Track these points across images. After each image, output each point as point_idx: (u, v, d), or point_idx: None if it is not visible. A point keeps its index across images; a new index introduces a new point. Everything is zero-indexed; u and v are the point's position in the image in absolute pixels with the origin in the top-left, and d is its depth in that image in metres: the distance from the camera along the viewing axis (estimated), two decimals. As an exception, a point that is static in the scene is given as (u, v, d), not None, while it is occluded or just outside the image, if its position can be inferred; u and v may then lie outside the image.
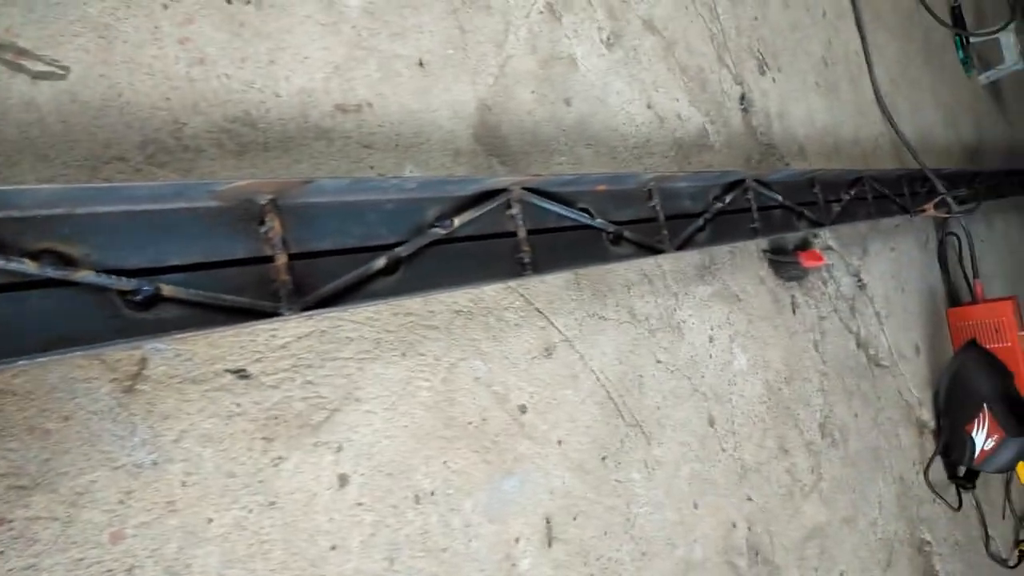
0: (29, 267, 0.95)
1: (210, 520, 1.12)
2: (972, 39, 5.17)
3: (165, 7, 1.18)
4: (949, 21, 4.95)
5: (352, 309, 1.35)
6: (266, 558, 1.16)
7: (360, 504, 1.30)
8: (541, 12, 1.85)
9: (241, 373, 1.18)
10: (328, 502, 1.26)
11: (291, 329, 1.26)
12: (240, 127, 1.24)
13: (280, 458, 1.21)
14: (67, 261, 1.01)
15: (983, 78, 5.43)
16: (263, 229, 1.19)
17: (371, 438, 1.34)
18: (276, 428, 1.21)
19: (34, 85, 1.04)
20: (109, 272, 1.02)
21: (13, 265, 0.94)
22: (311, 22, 1.37)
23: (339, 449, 1.29)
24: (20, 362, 0.91)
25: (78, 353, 0.95)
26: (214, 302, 1.10)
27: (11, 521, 0.95)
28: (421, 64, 1.56)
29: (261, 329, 1.22)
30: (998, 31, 5.12)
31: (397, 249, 1.36)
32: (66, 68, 1.07)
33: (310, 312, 1.19)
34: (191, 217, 1.13)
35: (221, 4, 1.25)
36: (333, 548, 1.25)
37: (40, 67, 1.05)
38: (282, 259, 1.20)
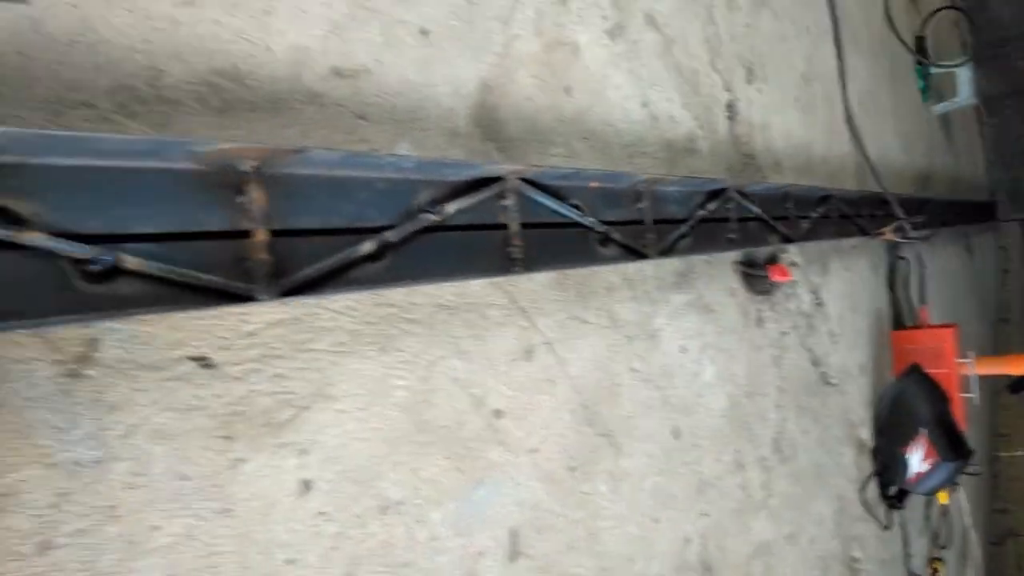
0: (-36, 224, 0.79)
1: (155, 528, 0.98)
2: (933, 70, 5.30)
3: (150, -67, 1.02)
4: (914, 49, 5.05)
5: (333, 297, 1.22)
6: (215, 572, 1.03)
7: (322, 513, 1.18)
8: (549, -8, 1.73)
9: (204, 361, 1.04)
10: (288, 511, 1.13)
11: (263, 315, 1.12)
12: (226, 81, 1.09)
13: (240, 460, 1.07)
14: (14, 220, 0.85)
15: (938, 108, 5.58)
16: (241, 199, 1.05)
17: (340, 440, 1.22)
18: (238, 426, 1.07)
19: (-14, 6, 0.87)
20: (63, 236, 0.87)
21: (-55, 219, 0.78)
22: (312, -28, 1.22)
23: (304, 452, 1.16)
24: (-55, 339, 0.75)
25: (21, 330, 0.80)
26: (182, 279, 0.96)
27: (-80, 525, 0.79)
28: (424, 33, 1.42)
29: (230, 313, 1.08)
30: (957, 66, 5.26)
31: (386, 233, 1.23)
32: (27, -10, 0.90)
33: (288, 298, 1.06)
34: (162, 179, 0.98)
35: (213, -62, 1.09)
36: (289, 562, 1.13)
37: (-5, -15, 0.88)
38: (261, 235, 1.06)
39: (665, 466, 2.02)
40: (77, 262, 0.89)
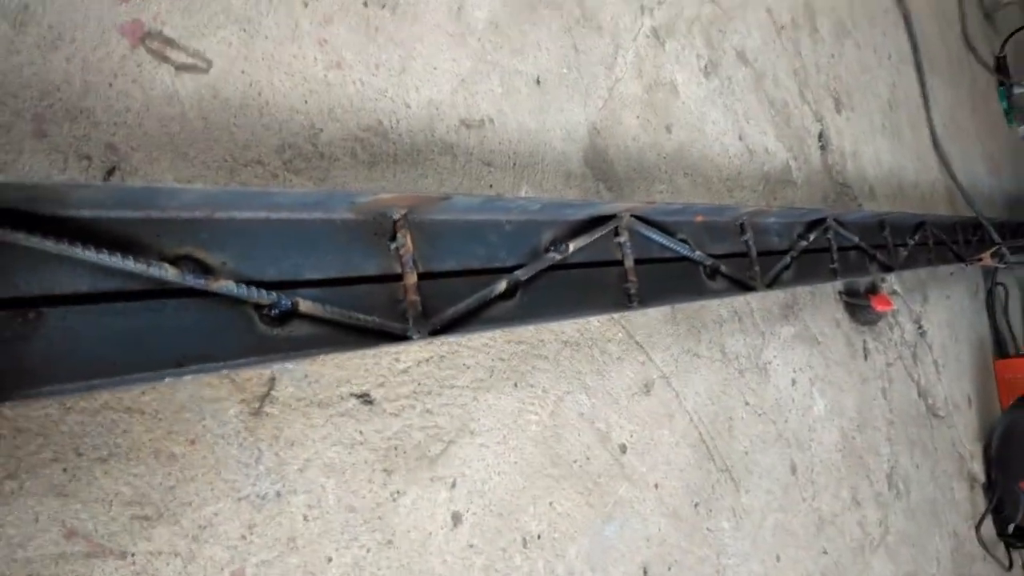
0: (170, 274, 0.86)
1: (329, 559, 1.02)
2: (1016, 89, 5.15)
3: (305, 5, 1.11)
4: (995, 69, 4.93)
5: (475, 335, 1.26)
6: (382, 603, 1.06)
7: (472, 546, 1.20)
8: (647, 36, 1.79)
9: (365, 398, 1.09)
10: (442, 542, 1.16)
11: (414, 353, 1.18)
12: (372, 136, 1.17)
13: (398, 492, 1.11)
14: (205, 269, 0.92)
15: (1023, 129, 5.40)
16: (394, 245, 1.11)
17: (483, 474, 1.25)
18: (396, 459, 1.12)
19: (177, 77, 0.96)
20: (248, 283, 0.94)
21: (154, 271, 0.85)
22: (440, 31, 1.31)
23: (453, 485, 1.20)
24: (165, 379, 0.82)
25: (224, 371, 0.87)
26: (347, 321, 1.02)
27: (133, 555, 0.85)
28: (538, 82, 1.49)
29: (385, 352, 1.13)
30: (1043, 84, 5.10)
31: (516, 272, 1.28)
32: (209, 61, 0.99)
33: (437, 337, 1.11)
34: (326, 229, 1.05)
35: (358, 6, 1.18)
36: (445, 594, 1.15)
37: (184, 59, 0.97)
38: (411, 278, 1.12)
39: (784, 503, 1.98)
40: (259, 307, 0.95)
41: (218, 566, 0.91)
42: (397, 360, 1.15)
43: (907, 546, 2.64)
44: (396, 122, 1.21)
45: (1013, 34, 5.10)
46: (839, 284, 2.44)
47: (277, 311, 0.96)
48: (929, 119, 3.62)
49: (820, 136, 2.52)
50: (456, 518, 1.19)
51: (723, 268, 1.73)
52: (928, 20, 3.88)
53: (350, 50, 1.16)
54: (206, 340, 0.91)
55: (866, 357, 2.53)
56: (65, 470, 0.82)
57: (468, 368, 1.26)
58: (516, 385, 1.34)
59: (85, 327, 0.83)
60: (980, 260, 3.48)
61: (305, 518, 1.00)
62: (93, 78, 0.90)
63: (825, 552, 2.13)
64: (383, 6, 1.21)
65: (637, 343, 1.62)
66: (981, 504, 3.39)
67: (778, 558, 1.91)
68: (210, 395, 0.94)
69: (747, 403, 1.90)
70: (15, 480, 0.79)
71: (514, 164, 1.41)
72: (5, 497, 0.78)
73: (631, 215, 1.51)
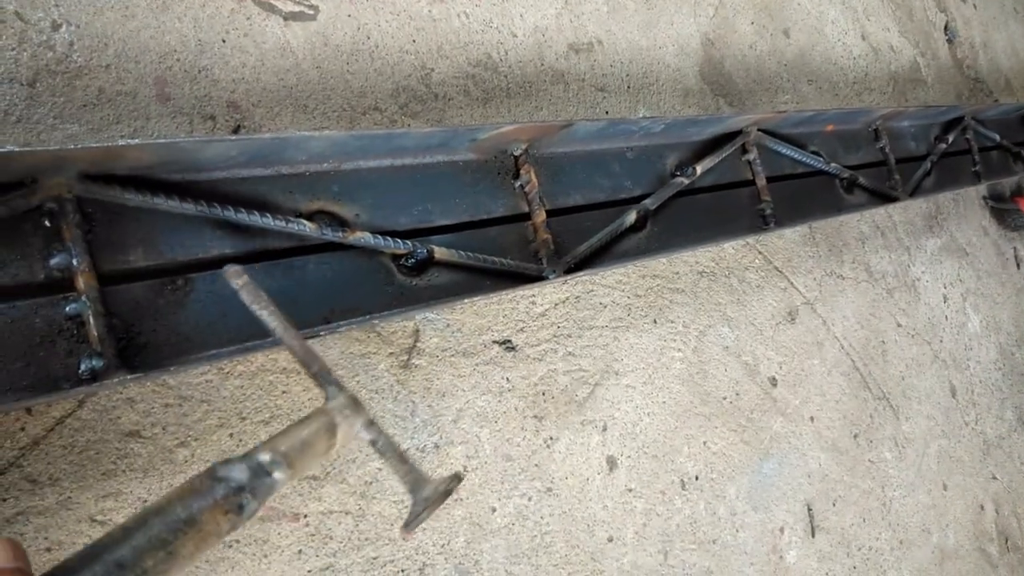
0: (308, 229, 0.83)
1: (494, 510, 0.98)
2: None
3: (403, -62, 1.05)
4: None
5: (609, 270, 1.19)
6: (548, 552, 1.03)
7: (630, 490, 1.15)
8: (753, -66, 1.63)
9: (507, 344, 1.05)
10: (600, 488, 1.11)
11: (549, 295, 1.12)
12: (483, 72, 1.10)
13: (552, 439, 1.07)
14: (341, 222, 0.89)
15: None
16: (519, 183, 1.05)
17: (633, 416, 1.18)
18: (545, 405, 1.07)
19: (287, 27, 0.92)
20: (382, 233, 0.90)
21: (293, 227, 0.82)
22: (541, -49, 1.22)
23: (605, 428, 1.14)
24: (320, 333, 0.79)
25: (372, 322, 0.83)
26: (483, 265, 0.97)
27: (306, 516, 0.84)
28: (645, -4, 1.38)
29: (522, 296, 1.08)
30: None
31: (644, 202, 1.19)
32: (315, 7, 0.95)
33: (571, 275, 1.05)
34: (450, 171, 1.00)
35: (454, -67, 1.11)
36: (610, 540, 1.10)
37: (290, 7, 0.93)
38: (540, 217, 1.05)
39: (947, 428, 1.82)
40: (396, 257, 0.92)
41: (388, 521, 0.89)
42: (533, 303, 1.10)
43: (1082, 467, 2.41)
44: (504, 53, 1.14)
45: None
46: (983, 188, 2.21)
47: (414, 260, 0.92)
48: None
49: (946, 28, 2.28)
50: (611, 462, 1.14)
51: (861, 180, 1.59)
52: None
53: (451, -19, 1.09)
54: (350, 293, 0.88)
55: (1019, 265, 2.30)
56: (231, 435, 0.82)
57: (605, 307, 1.19)
58: (655, 322, 1.26)
59: (231, 290, 0.81)
60: None
61: (465, 469, 0.97)
62: (206, 35, 0.87)
63: (995, 477, 1.96)
64: (479, -69, 1.14)
65: (776, 268, 1.50)
66: None
67: (945, 487, 1.77)
68: (359, 350, 0.92)
69: (899, 324, 1.75)
70: (187, 448, 0.79)
71: (628, 87, 1.32)
72: (179, 465, 0.78)
73: (758, 129, 1.39)
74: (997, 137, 2.14)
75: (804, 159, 1.47)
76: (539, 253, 1.04)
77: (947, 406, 1.83)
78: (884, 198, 1.65)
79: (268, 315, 0.62)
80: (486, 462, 0.99)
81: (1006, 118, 2.30)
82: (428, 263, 0.94)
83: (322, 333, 0.78)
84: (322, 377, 0.60)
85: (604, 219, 1.15)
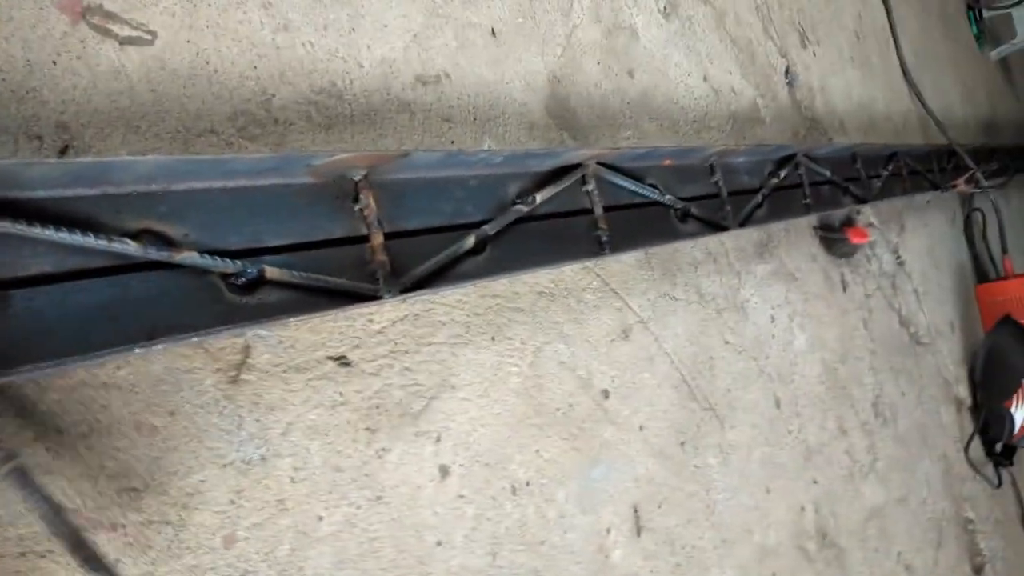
0: (131, 248, 0.87)
1: (320, 518, 1.04)
2: (986, 13, 5.13)
3: (248, -31, 1.09)
4: (964, -5, 4.91)
5: (446, 291, 1.27)
6: (376, 557, 1.09)
7: (461, 496, 1.23)
8: (603, -20, 1.77)
9: (342, 360, 1.11)
10: (432, 495, 1.19)
11: (387, 313, 1.19)
12: (326, 99, 1.16)
13: (384, 449, 1.13)
14: (167, 242, 0.93)
15: (995, 53, 5.39)
16: (358, 207, 1.11)
17: (467, 427, 1.27)
18: (379, 418, 1.13)
19: (122, 51, 0.95)
20: (211, 253, 0.94)
21: (116, 246, 0.85)
22: (389, -13, 1.29)
23: (438, 439, 1.22)
24: (136, 350, 0.83)
25: (190, 340, 0.87)
26: (316, 284, 1.02)
27: (124, 526, 0.87)
28: (494, 33, 1.48)
29: (358, 314, 1.14)
30: (1012, 6, 5.08)
31: (484, 227, 1.28)
32: (153, 33, 0.98)
33: (407, 295, 1.12)
34: (287, 194, 1.05)
35: (302, -33, 1.16)
36: (439, 544, 1.18)
37: (127, 32, 0.96)
38: (378, 239, 1.12)
39: (770, 436, 2.02)
40: (225, 276, 0.96)
41: (209, 531, 0.93)
42: (371, 321, 1.16)
43: (897, 471, 2.70)
44: (350, 82, 1.20)
45: (979, -43, 5.07)
46: (813, 219, 2.46)
47: (244, 279, 0.97)
48: (898, 48, 3.61)
49: (787, 72, 2.52)
50: (444, 471, 1.21)
51: (694, 210, 1.74)
52: (892, -52, 3.84)
53: (296, 11, 1.15)
54: (175, 311, 0.91)
55: (845, 289, 2.56)
56: (48, 449, 0.83)
57: (444, 325, 1.27)
58: (493, 339, 1.35)
59: (52, 307, 0.83)
60: (955, 186, 3.51)
61: (292, 480, 1.02)
62: (35, 57, 0.89)
63: (815, 482, 2.18)
64: (327, -34, 1.20)
65: (613, 290, 1.63)
66: (968, 426, 3.47)
67: (768, 490, 1.96)
68: (185, 366, 0.95)
69: (727, 342, 1.92)
70: None
71: (475, 118, 1.41)
72: (-9, 480, 0.79)
73: (597, 162, 1.51)
74: (828, 173, 2.38)
75: (641, 190, 1.61)
76: (376, 274, 1.11)
77: (771, 416, 2.02)
78: (715, 227, 1.81)
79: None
80: (314, 473, 1.04)
81: (838, 156, 2.55)
82: (259, 282, 0.99)
83: (137, 350, 0.81)
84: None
85: (444, 242, 1.22)
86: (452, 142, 1.37)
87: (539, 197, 1.39)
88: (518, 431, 1.35)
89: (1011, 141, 5.30)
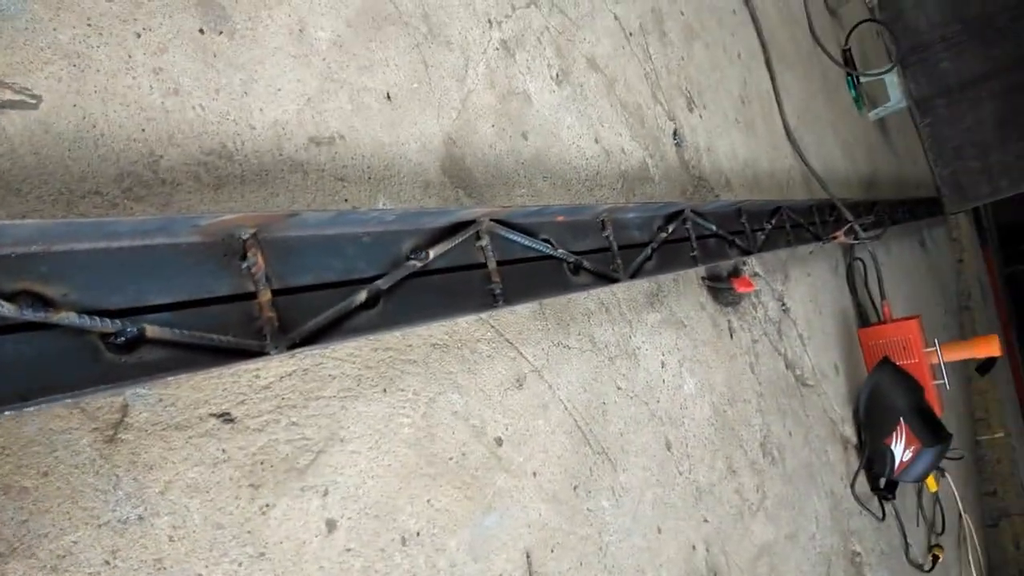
0: (6, 310, 0.87)
1: (200, 576, 1.04)
2: (862, 79, 5.61)
3: (138, 35, 1.13)
4: (842, 62, 5.35)
5: (336, 345, 1.31)
6: (258, 614, 1.09)
7: (349, 550, 1.25)
8: (497, 48, 1.88)
9: (225, 417, 1.12)
10: (317, 549, 1.20)
11: (274, 368, 1.21)
12: (216, 160, 1.20)
13: (268, 505, 1.15)
14: (45, 302, 0.93)
15: (872, 115, 5.89)
16: (245, 265, 1.14)
17: (357, 479, 1.29)
18: (263, 474, 1.15)
19: (4, 115, 0.96)
20: (90, 313, 0.95)
21: (-11, 308, 0.86)
22: (282, 53, 1.34)
23: (326, 493, 1.24)
24: (5, 412, 0.83)
25: (64, 401, 0.88)
26: (199, 342, 1.05)
27: (-14, 592, 0.85)
28: (389, 97, 1.55)
29: (244, 370, 1.16)
30: (884, 73, 5.58)
31: (377, 282, 1.33)
32: (37, 97, 1.00)
33: (296, 350, 1.15)
34: (172, 253, 1.07)
35: (194, 34, 1.20)
36: (324, 598, 1.19)
37: (9, 95, 0.98)
38: (266, 296, 1.15)
39: (662, 478, 2.11)
40: (104, 336, 0.97)
41: (79, 595, 0.92)
42: (257, 377, 1.18)
43: (786, 509, 2.85)
44: (241, 144, 1.24)
45: (855, 27, 5.56)
46: (701, 270, 2.61)
47: (123, 338, 0.98)
48: (781, 111, 3.91)
49: (675, 134, 2.70)
50: (331, 524, 1.23)
51: (586, 263, 1.84)
52: (776, 19, 4.19)
53: (188, 76, 1.18)
54: (49, 372, 0.92)
55: (732, 336, 2.72)
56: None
57: (334, 378, 1.30)
58: (385, 391, 1.39)
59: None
60: (835, 238, 3.78)
61: (171, 539, 1.02)
62: (-91, 120, 0.89)
63: (706, 520, 2.28)
64: (220, 32, 1.24)
65: (507, 340, 1.70)
66: (854, 463, 3.69)
67: (659, 530, 2.04)
68: (60, 426, 0.95)
69: (619, 387, 2.02)
70: None
71: (369, 177, 1.46)
72: None
73: (490, 219, 1.59)
74: (714, 227, 2.54)
75: (534, 245, 1.69)
76: (264, 330, 1.14)
77: (662, 458, 2.12)
78: (606, 279, 1.92)
79: None
80: (194, 531, 1.04)
81: (724, 211, 2.73)
82: (140, 341, 1.00)
83: (6, 413, 0.82)
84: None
85: (335, 298, 1.26)
86: (346, 200, 1.42)
87: (432, 252, 1.45)
88: (409, 482, 1.39)
89: (889, 195, 5.77)
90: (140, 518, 0.99)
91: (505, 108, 1.86)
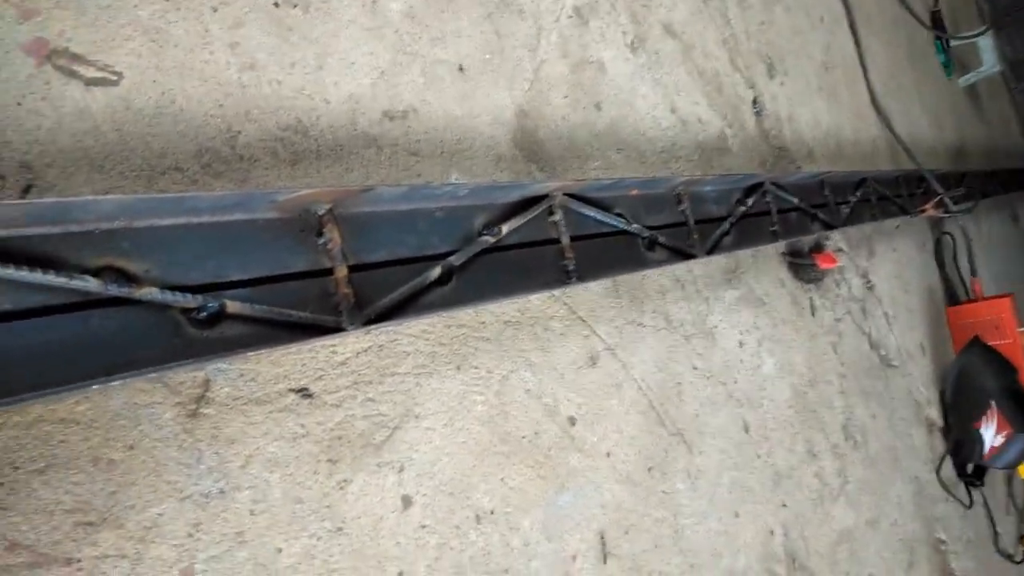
0: (92, 285, 0.88)
1: (279, 550, 1.05)
2: (952, 42, 5.27)
3: (215, 10, 1.12)
4: (930, 24, 5.03)
5: (410, 322, 1.29)
6: (336, 588, 1.10)
7: (424, 526, 1.24)
8: (570, 16, 1.81)
9: (304, 392, 1.12)
10: (393, 525, 1.20)
11: (351, 344, 1.20)
12: (292, 135, 1.19)
13: (345, 481, 1.15)
14: (129, 278, 0.94)
15: (962, 80, 5.53)
16: (322, 240, 1.13)
17: (431, 456, 1.28)
18: (340, 449, 1.15)
19: (87, 92, 0.97)
20: (172, 288, 0.96)
21: (76, 283, 0.87)
22: (356, 26, 1.32)
23: (401, 469, 1.23)
24: (93, 387, 0.84)
25: (148, 376, 0.89)
26: (278, 318, 1.04)
27: (79, 561, 0.87)
28: (461, 69, 1.51)
29: (322, 345, 1.16)
30: (977, 35, 5.22)
31: (450, 258, 1.31)
32: (119, 74, 1.01)
33: (371, 326, 1.14)
34: (250, 229, 1.07)
35: (269, 7, 1.19)
36: (400, 574, 1.19)
37: (93, 73, 0.98)
38: (342, 272, 1.14)
39: (739, 460, 2.04)
40: (186, 311, 0.98)
41: (167, 564, 0.94)
42: (334, 353, 1.18)
43: (868, 494, 2.74)
44: (316, 119, 1.23)
45: (946, -12, 5.21)
46: (781, 245, 2.50)
47: (205, 314, 0.98)
48: (867, 78, 3.70)
49: (754, 102, 2.58)
50: (406, 501, 1.23)
51: (661, 239, 1.78)
52: (860, -20, 3.95)
53: (263, 51, 1.18)
54: (133, 347, 0.93)
55: (813, 314, 2.61)
56: (2, 484, 0.84)
57: (408, 355, 1.29)
58: (459, 368, 1.37)
59: (11, 343, 0.84)
60: (924, 211, 3.58)
61: (251, 512, 1.03)
62: (0, 99, 0.91)
63: (784, 505, 2.20)
64: (295, 5, 1.23)
65: (580, 318, 1.66)
66: (940, 447, 3.51)
67: (736, 514, 1.98)
68: (144, 400, 0.96)
69: (695, 367, 1.95)
70: (-49, 498, 0.81)
71: (442, 152, 1.44)
72: (-57, 515, 0.80)
73: (564, 193, 1.54)
74: (796, 200, 2.43)
75: (608, 220, 1.64)
76: (340, 306, 1.13)
77: (740, 440, 2.05)
78: (682, 255, 1.85)
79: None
80: (274, 505, 1.05)
81: (806, 183, 2.61)
82: (220, 316, 1.01)
83: (95, 386, 0.83)
84: None
85: (409, 274, 1.25)
86: (419, 175, 1.40)
87: (505, 228, 1.41)
88: (483, 459, 1.37)
89: (980, 166, 5.43)
90: (222, 492, 1.00)
91: (578, 78, 1.80)
